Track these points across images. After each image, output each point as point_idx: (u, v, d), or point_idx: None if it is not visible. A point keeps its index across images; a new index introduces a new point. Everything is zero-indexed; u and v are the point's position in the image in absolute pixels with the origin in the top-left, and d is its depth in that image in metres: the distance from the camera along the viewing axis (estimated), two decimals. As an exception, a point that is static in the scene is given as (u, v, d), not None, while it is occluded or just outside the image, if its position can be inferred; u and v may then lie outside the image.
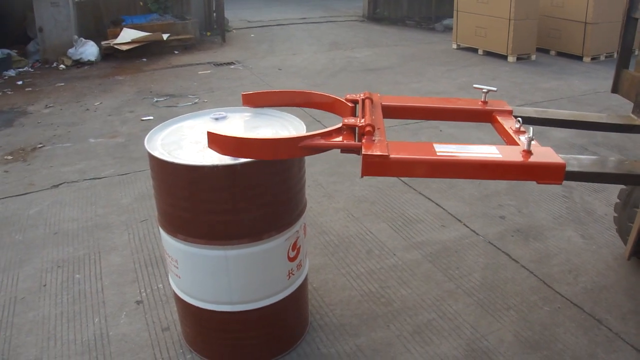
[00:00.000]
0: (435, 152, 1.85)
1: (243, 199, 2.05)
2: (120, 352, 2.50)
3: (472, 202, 3.91)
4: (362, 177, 1.93)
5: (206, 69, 8.36)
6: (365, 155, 1.78)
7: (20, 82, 7.70)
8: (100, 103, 6.63)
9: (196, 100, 6.65)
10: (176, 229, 2.15)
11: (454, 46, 9.69)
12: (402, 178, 4.34)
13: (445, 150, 1.87)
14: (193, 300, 2.28)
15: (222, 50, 9.88)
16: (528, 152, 1.86)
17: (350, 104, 2.33)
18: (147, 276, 3.07)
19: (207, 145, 1.97)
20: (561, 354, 2.47)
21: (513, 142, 2.07)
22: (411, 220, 3.66)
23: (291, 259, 2.28)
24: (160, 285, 2.98)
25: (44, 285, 3.01)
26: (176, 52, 9.61)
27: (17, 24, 9.23)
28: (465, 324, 2.66)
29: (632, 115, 2.69)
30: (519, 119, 2.21)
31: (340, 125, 1.99)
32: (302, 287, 2.45)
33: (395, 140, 1.95)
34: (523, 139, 1.91)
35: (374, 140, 1.87)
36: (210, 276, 2.18)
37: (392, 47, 9.97)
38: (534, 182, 1.92)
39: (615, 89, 2.94)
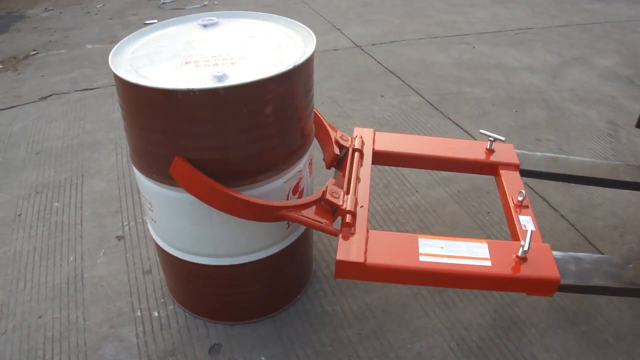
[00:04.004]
0: (418, 255, 1.61)
1: (231, 132, 1.61)
2: (94, 298, 2.19)
3: (507, 134, 3.42)
4: (335, 279, 1.97)
5: (220, -30, 7.65)
6: (339, 262, 1.58)
7: (19, -19, 7.13)
8: (103, 5, 6.10)
9: (206, 3, 6.07)
10: (150, 168, 1.74)
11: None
12: (430, 100, 3.86)
13: (430, 252, 1.62)
14: (172, 250, 1.91)
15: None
16: (522, 259, 1.62)
17: (336, 149, 2.06)
18: (132, 206, 2.72)
19: (186, 61, 1.54)
20: (602, 330, 2.09)
21: (512, 225, 1.87)
22: (437, 153, 3.21)
23: (290, 206, 1.86)
24: (146, 217, 2.62)
25: (19, 215, 2.68)
26: (189, -50, 8.84)
27: None
28: (493, 283, 2.28)
29: None
30: (522, 191, 1.94)
31: (319, 196, 1.75)
32: (304, 237, 2.06)
33: (377, 230, 1.74)
34: (522, 221, 1.76)
35: (353, 233, 1.68)
36: (189, 224, 1.79)
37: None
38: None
39: None
